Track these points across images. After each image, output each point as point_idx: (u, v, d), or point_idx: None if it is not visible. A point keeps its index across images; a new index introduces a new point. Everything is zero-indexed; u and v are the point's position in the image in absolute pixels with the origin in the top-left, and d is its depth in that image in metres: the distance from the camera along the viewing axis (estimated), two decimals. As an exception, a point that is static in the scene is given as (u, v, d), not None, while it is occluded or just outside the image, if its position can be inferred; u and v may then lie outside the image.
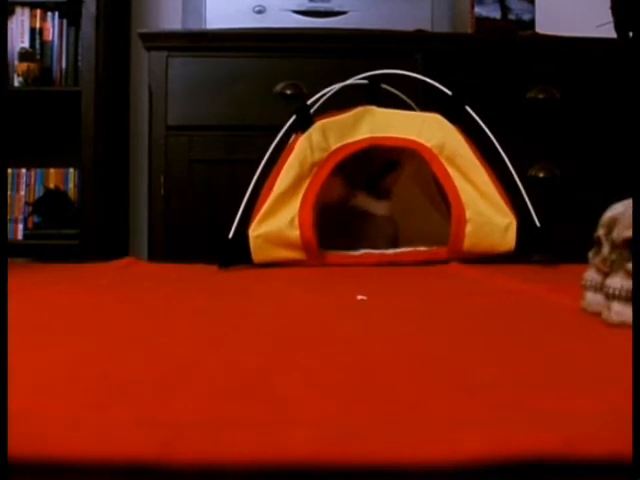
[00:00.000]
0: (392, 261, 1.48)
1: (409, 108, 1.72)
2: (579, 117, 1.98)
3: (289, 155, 1.50)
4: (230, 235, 1.44)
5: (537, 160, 1.96)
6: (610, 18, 1.91)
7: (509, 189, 1.50)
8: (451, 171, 1.49)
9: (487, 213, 1.46)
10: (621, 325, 0.58)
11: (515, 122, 1.96)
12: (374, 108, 1.56)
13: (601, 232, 0.64)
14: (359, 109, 1.55)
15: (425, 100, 1.77)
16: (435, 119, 1.54)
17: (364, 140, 1.53)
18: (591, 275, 0.66)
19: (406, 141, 1.53)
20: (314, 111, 1.57)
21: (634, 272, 0.56)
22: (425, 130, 1.53)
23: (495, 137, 1.50)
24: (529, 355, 0.49)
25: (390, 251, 1.53)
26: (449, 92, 1.55)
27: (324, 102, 1.61)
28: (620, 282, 0.59)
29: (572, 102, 1.98)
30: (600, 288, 0.64)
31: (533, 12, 2.16)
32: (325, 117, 1.55)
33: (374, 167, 1.66)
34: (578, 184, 1.96)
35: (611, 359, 0.47)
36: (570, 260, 1.28)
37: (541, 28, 2.15)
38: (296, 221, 1.44)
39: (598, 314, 0.63)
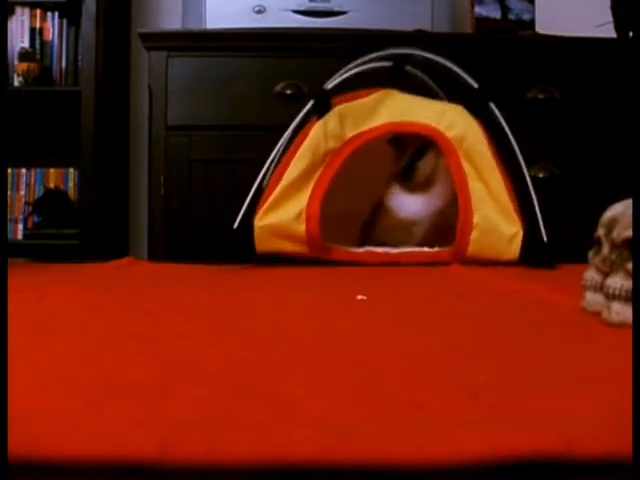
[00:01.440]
0: (395, 261, 1.46)
1: (433, 96, 1.64)
2: (579, 117, 1.98)
3: (302, 142, 1.45)
4: (235, 225, 1.40)
5: (537, 160, 1.96)
6: (610, 18, 1.91)
7: (520, 196, 1.47)
8: (466, 167, 1.45)
9: (495, 220, 1.43)
10: (621, 325, 0.58)
11: (515, 122, 1.96)
12: (396, 92, 1.50)
13: (601, 232, 0.64)
14: (380, 93, 1.49)
15: (448, 90, 1.69)
16: (458, 110, 1.49)
17: (381, 127, 1.48)
18: (591, 275, 0.66)
19: (425, 128, 1.47)
20: (333, 92, 1.50)
21: (634, 272, 0.56)
22: (446, 119, 1.47)
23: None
24: (529, 355, 0.49)
25: (394, 251, 1.51)
26: (475, 84, 1.51)
27: (344, 85, 1.53)
28: (620, 282, 0.59)
29: (572, 102, 1.97)
30: (600, 288, 0.64)
31: (533, 12, 2.16)
32: (344, 100, 1.48)
33: (404, 156, 1.58)
34: (578, 184, 1.96)
35: (611, 359, 0.47)
36: (570, 260, 1.28)
37: (541, 28, 2.15)
38: (303, 215, 1.41)
39: (598, 314, 0.63)
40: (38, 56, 2.23)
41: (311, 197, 1.42)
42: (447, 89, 1.69)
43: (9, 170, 2.27)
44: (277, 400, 0.35)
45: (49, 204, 2.21)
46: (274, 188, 1.42)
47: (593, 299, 0.66)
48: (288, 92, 1.91)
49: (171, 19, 2.38)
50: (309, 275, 1.29)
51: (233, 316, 0.72)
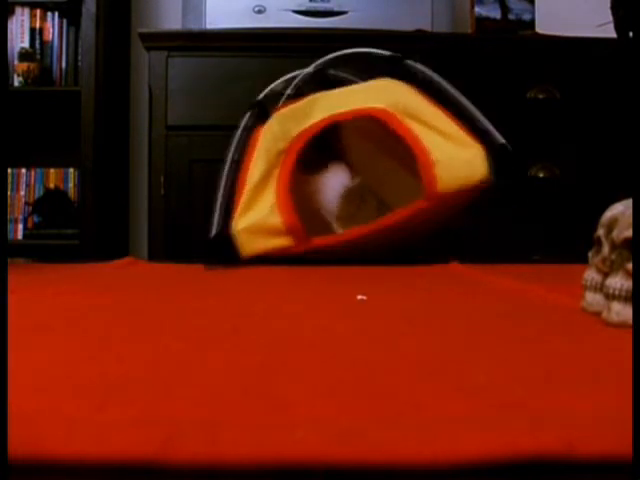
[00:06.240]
0: (376, 229, 1.47)
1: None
2: (579, 117, 1.98)
3: (253, 148, 1.52)
4: (212, 234, 1.43)
5: (537, 160, 1.96)
6: (610, 18, 1.91)
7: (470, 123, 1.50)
8: (409, 123, 1.49)
9: (452, 151, 1.45)
10: (621, 325, 0.58)
11: (515, 122, 1.96)
12: (326, 92, 1.59)
13: (601, 232, 0.64)
14: (311, 96, 1.58)
15: (371, 69, 1.73)
16: (386, 83, 1.57)
17: (322, 120, 1.54)
18: (591, 275, 0.66)
19: (360, 110, 1.54)
20: (269, 104, 1.60)
21: (634, 272, 0.56)
22: (376, 96, 1.54)
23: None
24: (529, 355, 0.49)
25: (373, 221, 1.52)
26: (387, 53, 1.58)
27: (276, 96, 1.64)
28: (620, 282, 0.59)
29: (572, 102, 1.98)
30: (600, 288, 0.64)
31: (533, 12, 2.16)
32: (280, 108, 1.58)
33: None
34: (578, 184, 1.96)
35: (611, 359, 0.47)
36: (570, 260, 1.28)
37: (541, 28, 2.15)
38: (275, 208, 1.44)
39: (598, 314, 0.63)
40: (38, 56, 2.23)
41: (278, 190, 1.47)
42: (374, 73, 1.71)
43: (9, 170, 2.27)
44: (277, 400, 0.35)
45: (49, 204, 2.21)
46: (241, 194, 1.49)
47: (593, 299, 0.66)
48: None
49: (171, 19, 2.38)
50: (309, 275, 1.29)
51: (232, 315, 0.72)
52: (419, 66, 1.56)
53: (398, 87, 1.54)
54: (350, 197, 1.63)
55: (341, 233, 1.53)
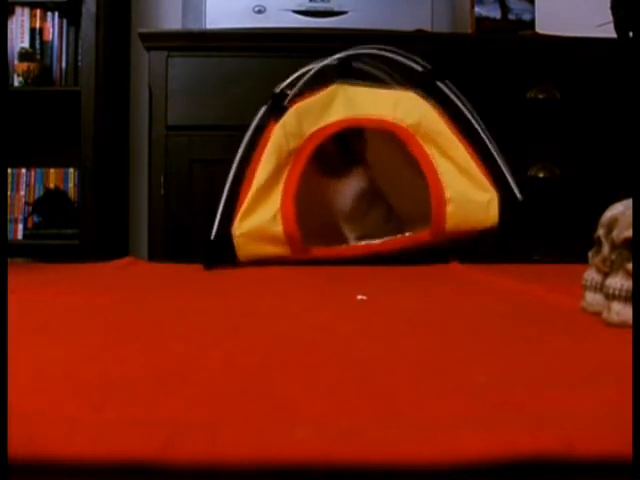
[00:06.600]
0: (378, 251, 1.47)
1: (385, 84, 1.67)
2: (579, 117, 1.98)
3: (264, 146, 1.48)
4: (212, 235, 1.43)
5: (537, 160, 1.96)
6: (610, 18, 1.92)
7: (490, 164, 1.47)
8: (429, 149, 1.46)
9: (467, 191, 1.43)
10: (621, 325, 0.58)
11: (515, 122, 1.96)
12: (346, 86, 1.53)
13: (601, 232, 0.64)
14: (331, 88, 1.53)
15: (400, 77, 1.71)
16: (410, 97, 1.52)
17: (339, 122, 1.51)
18: (591, 275, 0.66)
19: (381, 122, 1.50)
20: (288, 96, 1.55)
21: (634, 272, 0.56)
22: (400, 109, 1.50)
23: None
24: (529, 355, 0.49)
25: (375, 242, 1.51)
26: (421, 69, 1.53)
27: (297, 86, 1.58)
28: (620, 282, 0.59)
29: (572, 102, 1.97)
30: (600, 288, 0.64)
31: (533, 12, 2.16)
32: (299, 101, 1.52)
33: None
34: (578, 184, 1.96)
35: (611, 359, 0.47)
36: (570, 260, 1.28)
37: (541, 28, 2.15)
38: (279, 216, 1.42)
39: (598, 314, 0.63)
40: (38, 56, 2.23)
41: (283, 197, 1.44)
42: (398, 78, 1.67)
43: (9, 170, 2.27)
44: (277, 400, 0.35)
45: (49, 204, 2.21)
46: (245, 195, 1.45)
47: (593, 299, 0.66)
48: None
49: (171, 19, 2.38)
50: (308, 275, 1.29)
51: (233, 316, 0.72)
52: (452, 91, 1.50)
53: (424, 106, 1.49)
54: (361, 199, 1.61)
55: (342, 247, 1.52)
